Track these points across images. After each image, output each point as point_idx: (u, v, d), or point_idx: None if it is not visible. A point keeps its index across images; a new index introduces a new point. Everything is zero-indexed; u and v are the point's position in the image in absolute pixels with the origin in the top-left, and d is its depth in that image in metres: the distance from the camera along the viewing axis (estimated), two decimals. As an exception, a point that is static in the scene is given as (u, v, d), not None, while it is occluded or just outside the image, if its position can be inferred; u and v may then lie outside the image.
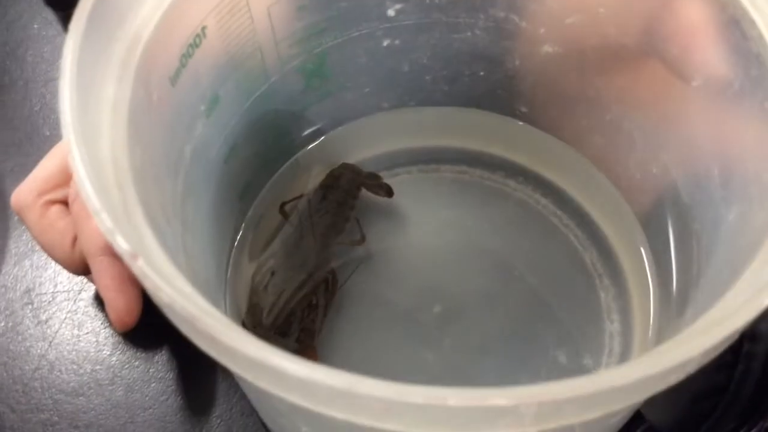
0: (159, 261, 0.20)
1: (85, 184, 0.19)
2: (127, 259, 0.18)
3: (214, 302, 0.32)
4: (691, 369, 0.17)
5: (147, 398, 0.38)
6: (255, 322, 0.34)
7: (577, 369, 0.35)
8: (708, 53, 0.26)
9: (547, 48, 0.33)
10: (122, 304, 0.33)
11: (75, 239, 0.34)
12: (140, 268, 0.18)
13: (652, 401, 0.19)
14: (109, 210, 0.20)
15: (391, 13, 0.33)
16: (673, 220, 0.32)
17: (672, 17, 0.27)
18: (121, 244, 0.18)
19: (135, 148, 0.23)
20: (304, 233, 0.36)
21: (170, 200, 0.27)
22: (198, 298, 0.19)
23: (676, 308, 0.30)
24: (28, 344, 0.39)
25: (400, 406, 0.16)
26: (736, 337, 0.17)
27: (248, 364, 0.17)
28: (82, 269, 0.35)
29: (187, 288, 0.19)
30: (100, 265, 0.33)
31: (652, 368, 0.16)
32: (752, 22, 0.24)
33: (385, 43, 0.35)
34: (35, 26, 0.49)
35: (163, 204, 0.26)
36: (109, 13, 0.24)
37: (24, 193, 0.34)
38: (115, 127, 0.23)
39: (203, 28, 0.28)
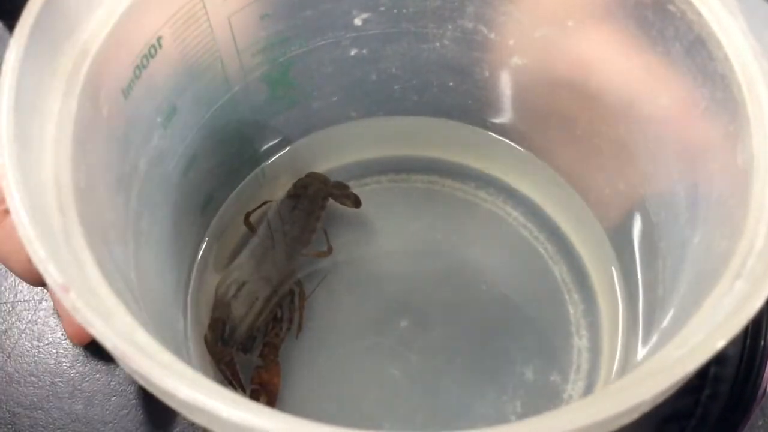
0: (98, 291, 0.19)
1: (18, 211, 0.18)
2: (58, 292, 0.17)
3: (172, 318, 0.31)
4: (636, 415, 0.16)
5: (107, 412, 0.37)
6: (216, 338, 0.33)
7: (544, 385, 0.34)
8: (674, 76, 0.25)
9: (517, 60, 0.32)
10: None
11: None
12: (72, 301, 0.17)
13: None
14: (46, 237, 0.19)
15: (357, 22, 0.33)
16: (641, 237, 0.31)
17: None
18: (54, 276, 0.17)
19: (81, 165, 0.23)
20: (270, 244, 0.36)
21: (122, 217, 0.26)
22: (138, 330, 0.18)
23: (644, 327, 0.30)
24: (-15, 355, 0.38)
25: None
26: (688, 378, 0.16)
27: (182, 404, 0.16)
28: (40, 280, 0.34)
29: (127, 320, 0.18)
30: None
31: (596, 415, 0.15)
32: (718, 43, 0.23)
33: (353, 52, 0.34)
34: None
35: (114, 221, 0.25)
36: (55, 25, 0.23)
37: None
38: (59, 144, 0.22)
39: (158, 39, 0.27)
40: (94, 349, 0.38)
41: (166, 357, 0.17)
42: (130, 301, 0.22)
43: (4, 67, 0.21)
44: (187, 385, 0.16)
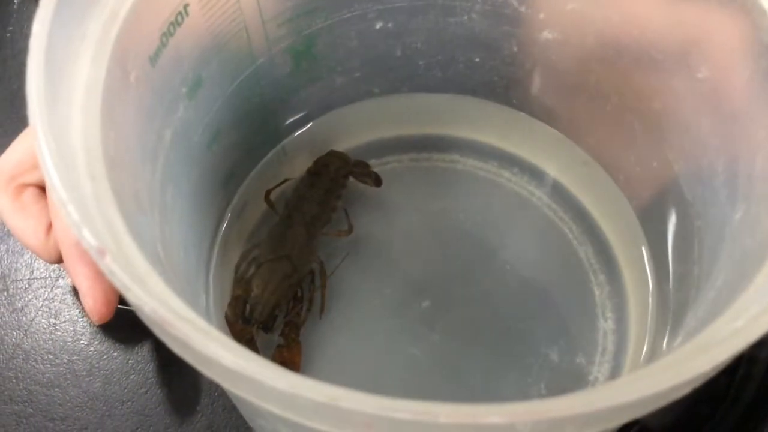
0: (131, 257, 0.19)
1: (51, 175, 0.18)
2: (94, 255, 0.17)
3: (194, 294, 0.31)
4: (690, 388, 0.16)
5: (125, 390, 0.36)
6: (237, 316, 0.33)
7: (569, 367, 0.34)
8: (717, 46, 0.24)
9: (547, 34, 0.32)
10: (99, 294, 0.31)
11: (50, 225, 0.32)
12: (108, 265, 0.17)
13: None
14: (78, 202, 0.18)
15: (384, -6, 0.32)
16: (673, 216, 0.30)
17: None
18: (89, 240, 0.17)
19: (109, 132, 0.22)
20: (290, 223, 0.35)
21: (147, 187, 0.25)
22: (172, 297, 0.18)
23: (675, 309, 0.29)
24: (2, 333, 0.38)
25: (386, 421, 0.15)
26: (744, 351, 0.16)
27: (224, 372, 0.16)
28: (57, 257, 0.33)
29: (161, 287, 0.18)
30: (75, 252, 0.31)
31: (653, 387, 0.15)
32: (763, 12, 0.23)
33: (378, 25, 0.33)
34: (15, 1, 0.47)
35: (140, 191, 0.24)
36: (84, -11, 0.22)
37: None
38: (88, 110, 0.21)
39: (185, 6, 0.26)
40: (113, 327, 0.37)
41: (204, 324, 0.17)
42: (161, 271, 0.21)
43: (34, 30, 0.21)
44: (231, 353, 0.15)
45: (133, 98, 0.24)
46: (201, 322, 0.17)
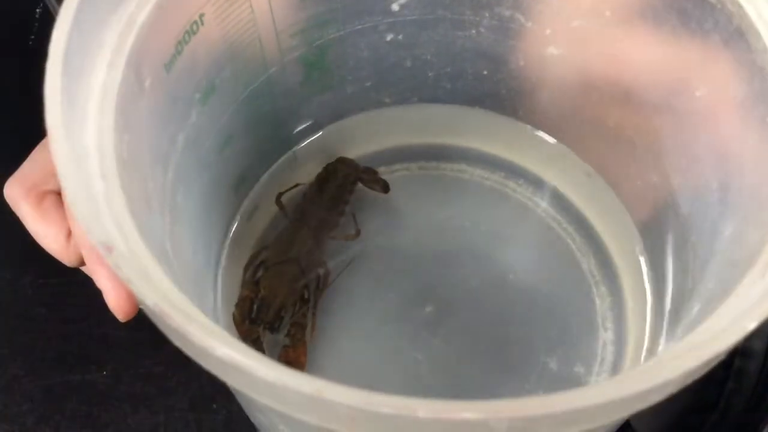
0: (138, 253, 0.20)
1: (63, 173, 0.19)
2: (101, 250, 0.18)
3: (202, 293, 0.32)
4: (669, 392, 0.16)
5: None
6: (244, 316, 0.34)
7: (567, 376, 0.34)
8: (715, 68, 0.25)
9: (552, 50, 0.33)
10: (122, 292, 0.32)
11: (70, 231, 0.33)
12: (114, 260, 0.18)
13: (640, 412, 0.18)
14: (88, 201, 0.19)
15: (395, 7, 0.33)
16: (671, 230, 0.31)
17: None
18: (96, 235, 0.18)
19: (123, 135, 0.23)
20: (298, 227, 0.36)
21: (159, 189, 0.27)
22: (175, 293, 0.19)
23: (670, 321, 0.30)
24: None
25: (369, 415, 0.16)
26: (719, 359, 0.16)
27: (218, 364, 0.17)
28: (78, 260, 0.34)
29: (165, 282, 0.19)
30: (95, 255, 0.32)
31: (629, 388, 0.16)
32: (758, 35, 0.23)
33: (388, 37, 0.34)
34: (38, 10, 0.49)
35: (151, 192, 0.25)
36: (103, -1, 0.23)
37: (17, 183, 0.34)
38: (103, 113, 0.23)
39: (201, 16, 0.28)
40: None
41: (203, 318, 0.18)
42: (167, 269, 0.22)
43: (54, 37, 0.22)
44: (223, 343, 0.16)
45: (147, 103, 0.25)
46: (200, 316, 0.18)
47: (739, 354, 0.27)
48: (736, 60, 0.25)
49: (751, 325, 0.16)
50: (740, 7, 0.24)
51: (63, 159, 0.19)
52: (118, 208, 0.21)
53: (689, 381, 0.17)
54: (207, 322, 0.18)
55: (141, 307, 0.18)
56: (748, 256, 0.21)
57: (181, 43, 0.27)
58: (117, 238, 0.19)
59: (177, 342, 0.18)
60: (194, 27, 0.27)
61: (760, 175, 0.23)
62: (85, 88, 0.23)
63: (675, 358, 0.16)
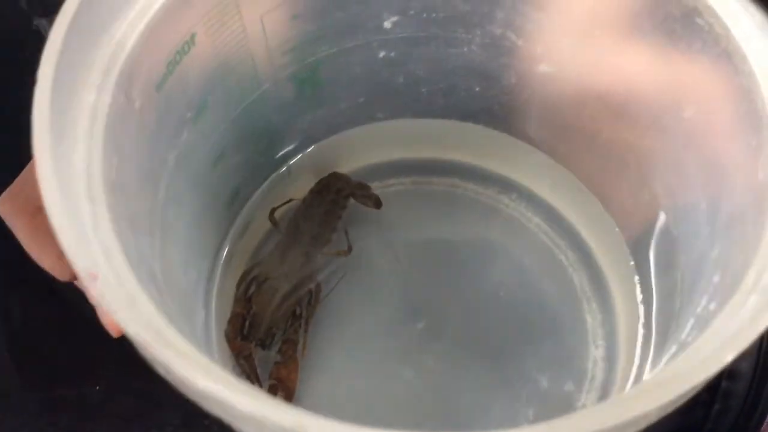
0: (124, 278, 0.20)
1: (50, 200, 0.19)
2: (85, 279, 0.18)
3: (191, 310, 0.32)
4: (646, 423, 0.16)
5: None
6: (236, 332, 0.34)
7: (558, 394, 0.34)
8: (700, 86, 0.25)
9: (544, 67, 0.33)
10: None
11: None
12: (98, 288, 0.18)
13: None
14: (75, 225, 0.19)
15: (387, 25, 0.33)
16: (660, 249, 0.31)
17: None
18: (80, 262, 0.18)
19: (112, 156, 0.23)
20: (290, 243, 0.36)
21: (150, 208, 0.27)
22: (159, 320, 0.19)
23: (657, 339, 0.30)
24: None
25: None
26: (697, 391, 0.16)
27: (199, 395, 0.17)
28: (71, 275, 0.34)
29: (149, 309, 0.19)
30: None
31: (606, 420, 0.16)
32: (744, 58, 0.23)
33: (381, 54, 0.34)
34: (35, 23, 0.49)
35: (140, 212, 0.26)
36: (92, 20, 0.23)
37: (9, 198, 0.34)
38: (91, 135, 0.23)
39: (192, 36, 0.28)
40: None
41: (186, 347, 0.18)
42: (154, 291, 0.22)
43: (43, 58, 0.22)
44: (204, 375, 0.16)
45: (138, 124, 0.25)
46: (183, 344, 0.18)
47: (725, 376, 0.27)
48: (723, 82, 0.25)
49: (729, 357, 0.16)
50: (727, 29, 0.24)
51: (48, 185, 0.19)
52: (104, 231, 0.21)
53: (665, 413, 0.17)
54: (190, 350, 0.18)
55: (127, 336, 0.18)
56: (734, 279, 0.21)
57: (172, 63, 0.27)
58: (102, 264, 0.19)
59: (160, 370, 0.18)
60: (186, 47, 0.27)
61: (746, 199, 0.23)
62: (74, 110, 0.23)
63: (651, 389, 0.16)
